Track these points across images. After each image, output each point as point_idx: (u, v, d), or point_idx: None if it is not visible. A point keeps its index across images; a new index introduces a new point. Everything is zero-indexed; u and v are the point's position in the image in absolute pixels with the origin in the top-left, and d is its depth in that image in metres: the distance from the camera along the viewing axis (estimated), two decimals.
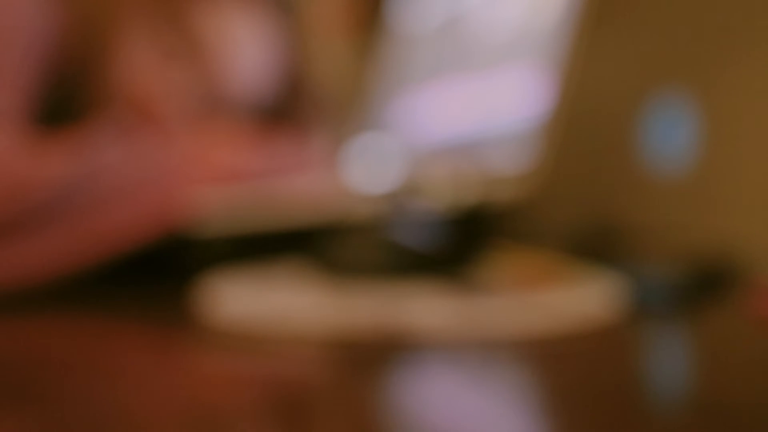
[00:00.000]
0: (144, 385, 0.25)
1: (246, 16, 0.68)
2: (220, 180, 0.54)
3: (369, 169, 0.82)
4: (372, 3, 1.33)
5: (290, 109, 0.73)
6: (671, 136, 0.71)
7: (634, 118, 0.74)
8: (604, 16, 0.77)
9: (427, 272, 0.39)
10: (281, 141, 0.66)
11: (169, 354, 0.31)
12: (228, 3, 0.67)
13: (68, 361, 0.29)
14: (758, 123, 0.61)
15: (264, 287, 0.45)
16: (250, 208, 0.54)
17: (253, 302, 0.38)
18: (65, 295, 0.45)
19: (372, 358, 0.27)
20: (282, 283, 0.45)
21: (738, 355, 0.28)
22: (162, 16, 0.63)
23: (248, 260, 0.50)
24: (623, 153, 0.75)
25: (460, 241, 0.50)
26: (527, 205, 0.59)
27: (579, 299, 0.36)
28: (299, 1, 1.53)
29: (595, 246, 0.71)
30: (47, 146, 0.48)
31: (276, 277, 0.49)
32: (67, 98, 0.60)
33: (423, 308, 0.34)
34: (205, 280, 0.49)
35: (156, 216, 0.48)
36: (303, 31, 1.01)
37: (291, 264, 0.50)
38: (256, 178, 0.58)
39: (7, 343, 0.33)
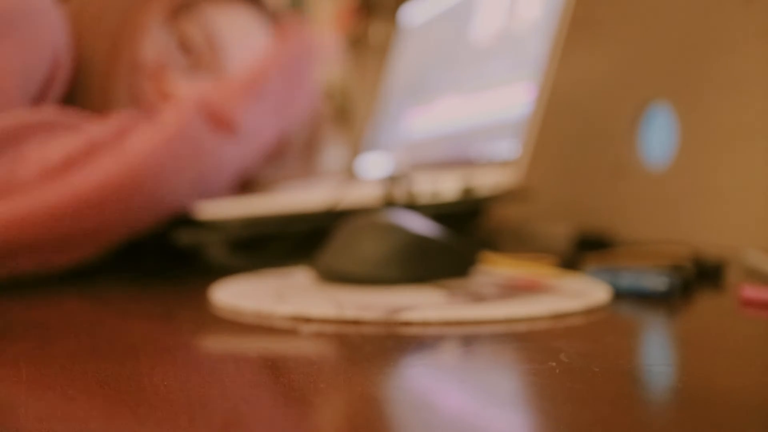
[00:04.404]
0: (159, 366, 0.26)
1: (258, 23, 0.67)
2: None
3: (370, 160, 0.83)
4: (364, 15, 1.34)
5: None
6: (652, 135, 0.73)
7: (617, 119, 0.75)
8: (583, 23, 0.79)
9: (424, 254, 0.40)
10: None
11: (182, 338, 0.31)
12: (240, 7, 0.66)
13: (90, 343, 0.30)
14: (726, 127, 0.63)
15: (271, 277, 0.46)
16: (258, 199, 0.54)
17: (260, 291, 0.39)
18: (86, 278, 0.45)
19: (372, 348, 0.28)
20: (289, 272, 0.46)
21: (723, 342, 0.29)
22: (179, 11, 0.62)
23: (256, 242, 0.50)
24: (608, 148, 0.77)
25: (454, 225, 0.50)
26: (515, 193, 0.59)
27: (566, 294, 0.37)
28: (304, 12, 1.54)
29: (580, 238, 0.72)
30: None
31: (284, 267, 0.49)
32: (80, 95, 0.58)
33: (420, 300, 0.35)
34: (217, 267, 0.49)
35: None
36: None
37: (298, 253, 0.50)
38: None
39: (32, 323, 0.34)
